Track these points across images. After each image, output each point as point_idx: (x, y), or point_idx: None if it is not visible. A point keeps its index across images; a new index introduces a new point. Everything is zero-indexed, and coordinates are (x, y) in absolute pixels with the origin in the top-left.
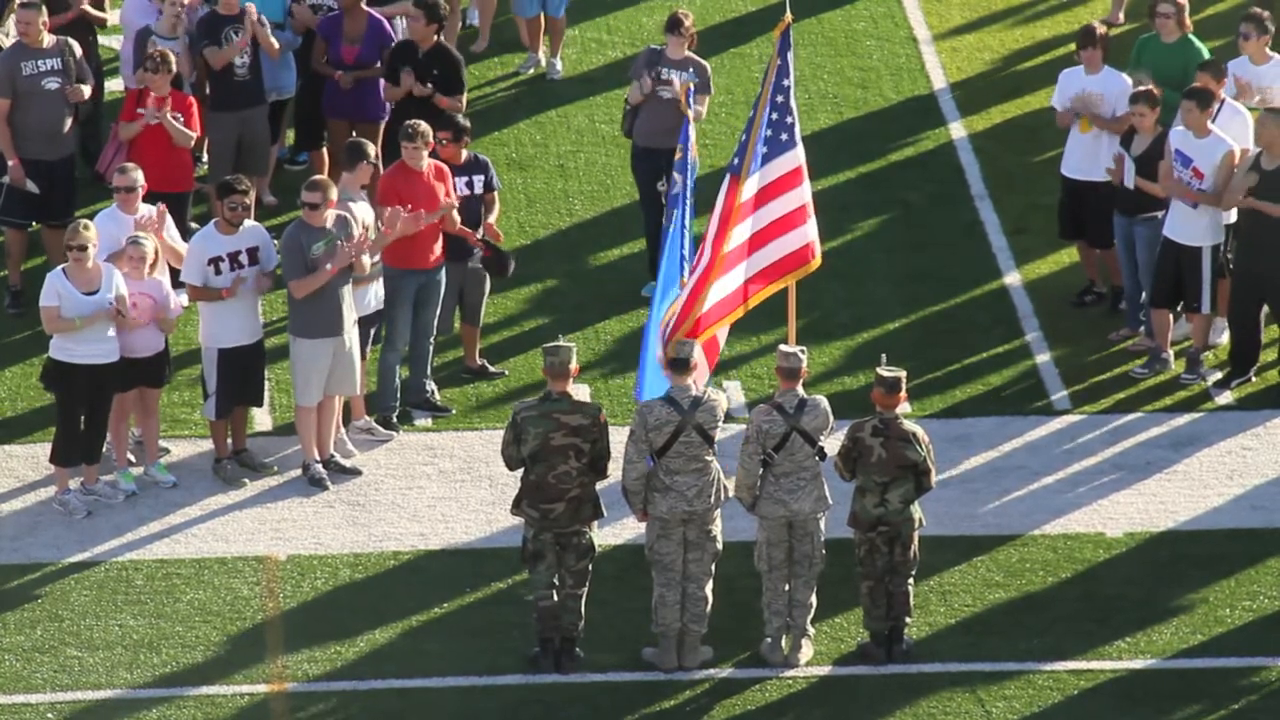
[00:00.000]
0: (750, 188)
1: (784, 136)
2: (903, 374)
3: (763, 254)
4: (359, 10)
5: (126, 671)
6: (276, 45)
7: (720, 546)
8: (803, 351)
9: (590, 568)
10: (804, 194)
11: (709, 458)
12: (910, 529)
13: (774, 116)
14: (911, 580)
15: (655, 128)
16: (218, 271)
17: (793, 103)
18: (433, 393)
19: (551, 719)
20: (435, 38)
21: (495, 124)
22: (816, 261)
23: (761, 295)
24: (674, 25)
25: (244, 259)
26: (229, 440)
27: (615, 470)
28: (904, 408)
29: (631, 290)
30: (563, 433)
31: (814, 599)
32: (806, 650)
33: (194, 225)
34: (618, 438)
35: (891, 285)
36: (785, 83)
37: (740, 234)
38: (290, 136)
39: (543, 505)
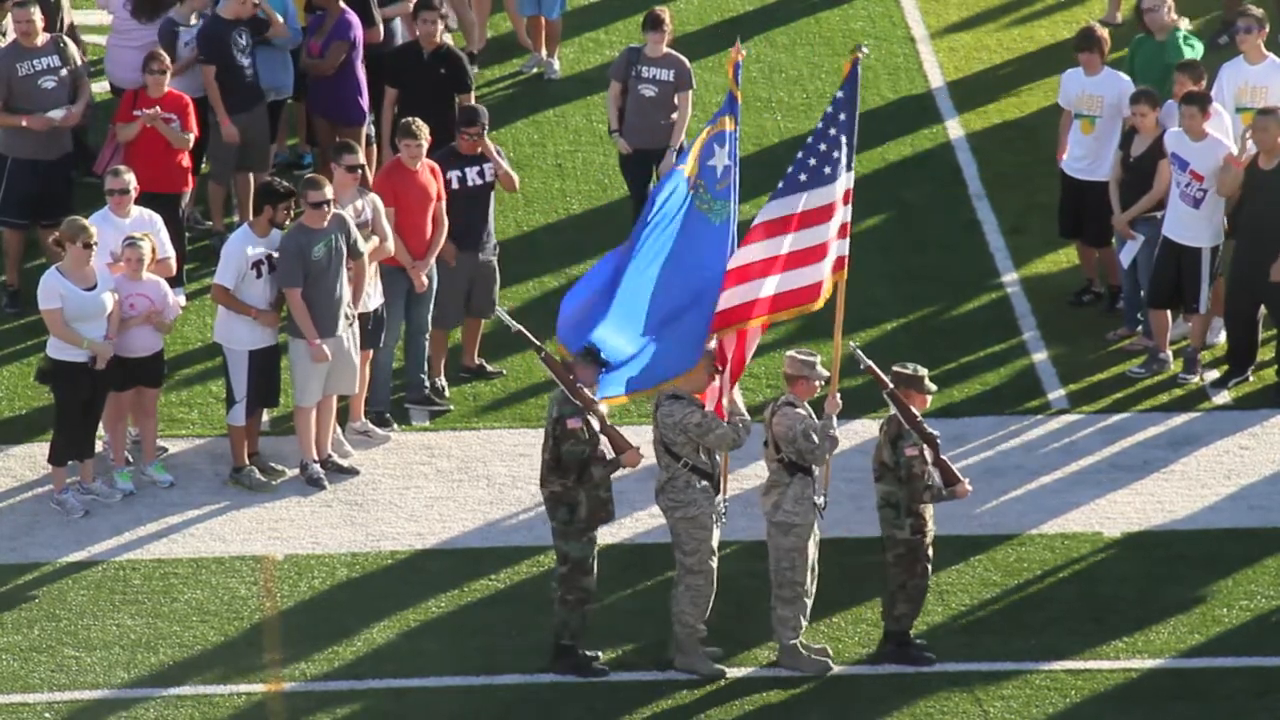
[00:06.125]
0: (779, 209)
1: (826, 170)
2: (923, 371)
3: (777, 280)
4: (335, 6)
5: (124, 671)
6: (282, 20)
7: (693, 564)
8: (813, 356)
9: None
10: (828, 231)
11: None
12: (888, 528)
13: (821, 147)
14: (905, 583)
15: (641, 127)
16: (259, 275)
17: (844, 137)
18: (430, 388)
19: (548, 719)
20: (440, 38)
21: (493, 123)
22: (818, 303)
23: (754, 323)
24: (654, 24)
25: (273, 262)
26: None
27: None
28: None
29: None
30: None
31: (789, 611)
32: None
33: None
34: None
35: (889, 284)
36: (842, 116)
37: (763, 250)
38: (288, 139)
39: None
